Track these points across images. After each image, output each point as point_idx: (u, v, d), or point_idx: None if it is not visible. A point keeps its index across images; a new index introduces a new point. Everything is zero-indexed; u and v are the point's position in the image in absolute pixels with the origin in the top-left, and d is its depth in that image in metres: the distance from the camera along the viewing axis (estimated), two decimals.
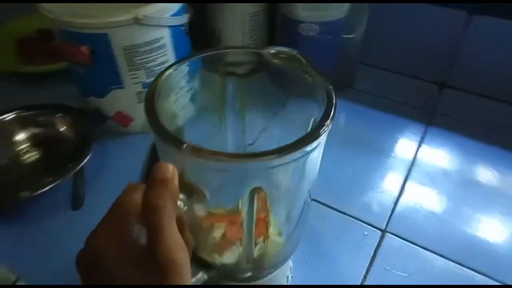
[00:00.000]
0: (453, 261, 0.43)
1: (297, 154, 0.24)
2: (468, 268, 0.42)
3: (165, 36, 0.52)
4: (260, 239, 0.32)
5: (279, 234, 0.36)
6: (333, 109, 0.26)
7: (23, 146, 0.55)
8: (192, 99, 0.44)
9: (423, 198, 0.49)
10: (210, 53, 0.33)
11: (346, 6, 0.57)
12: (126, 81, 0.53)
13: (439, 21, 0.61)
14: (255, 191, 0.27)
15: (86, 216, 0.47)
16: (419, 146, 0.56)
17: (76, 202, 0.49)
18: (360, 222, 0.46)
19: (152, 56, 0.52)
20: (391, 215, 0.47)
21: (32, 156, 0.55)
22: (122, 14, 0.48)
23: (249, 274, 0.34)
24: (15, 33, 0.77)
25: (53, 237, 0.46)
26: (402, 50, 0.66)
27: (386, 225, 0.46)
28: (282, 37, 0.63)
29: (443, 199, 0.49)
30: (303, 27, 0.58)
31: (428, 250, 0.44)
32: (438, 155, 0.54)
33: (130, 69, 0.52)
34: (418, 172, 0.52)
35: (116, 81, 0.53)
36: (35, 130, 0.55)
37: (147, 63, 0.52)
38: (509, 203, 0.48)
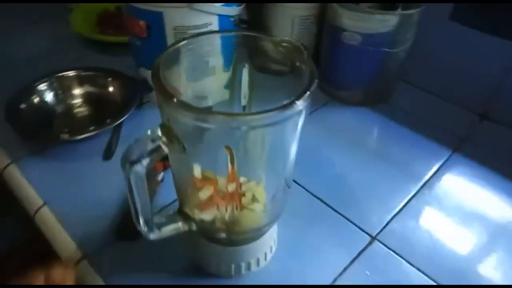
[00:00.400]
0: (435, 281, 0.42)
1: (264, 120, 0.27)
2: None
3: (214, 23, 0.57)
4: (231, 205, 0.35)
5: (263, 210, 0.39)
6: (306, 94, 0.29)
7: (77, 101, 0.63)
8: (228, 85, 0.48)
9: (424, 218, 0.49)
10: (226, 33, 0.37)
11: (392, 21, 0.58)
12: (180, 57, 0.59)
13: (490, 51, 0.60)
14: (226, 150, 0.30)
15: (112, 166, 0.54)
16: (438, 169, 0.55)
17: (108, 153, 0.55)
18: (352, 225, 0.47)
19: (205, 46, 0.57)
20: (385, 225, 0.48)
21: (82, 111, 0.63)
22: None
23: (223, 235, 0.37)
24: (99, 8, 0.87)
25: (81, 177, 0.52)
26: (447, 74, 0.65)
27: (378, 234, 0.47)
28: (326, 43, 0.66)
29: (445, 224, 0.48)
30: (345, 35, 0.60)
31: (413, 266, 0.44)
32: (455, 182, 0.53)
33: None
34: (428, 194, 0.52)
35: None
36: (90, 89, 0.64)
37: (195, 49, 0.58)
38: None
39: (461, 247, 0.46)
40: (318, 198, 0.50)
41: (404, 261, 0.44)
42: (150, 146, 0.29)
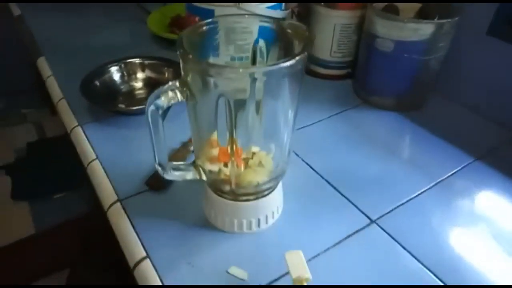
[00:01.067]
0: (428, 268, 0.44)
1: (254, 73, 0.34)
2: (440, 279, 0.43)
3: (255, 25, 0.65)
4: (232, 162, 0.41)
5: (267, 175, 0.44)
6: (291, 60, 0.34)
7: (139, 84, 0.74)
8: None
9: (429, 213, 0.50)
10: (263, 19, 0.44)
11: (425, 30, 0.60)
12: (220, 51, 0.67)
13: None
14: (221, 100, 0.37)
15: None
16: (456, 172, 0.56)
17: None
18: (354, 207, 0.51)
19: (243, 36, 0.65)
20: (388, 213, 0.50)
21: (142, 93, 0.73)
22: None
23: (227, 187, 0.43)
24: (173, 13, 1.00)
25: (130, 142, 0.62)
26: (483, 88, 0.66)
27: (378, 218, 0.49)
28: (362, 49, 0.70)
29: (449, 220, 0.50)
30: (378, 42, 0.64)
31: (408, 251, 0.46)
32: (469, 185, 0.54)
33: (225, 42, 0.66)
34: (439, 191, 0.53)
35: (213, 50, 0.68)
36: (150, 74, 0.74)
37: (238, 41, 0.65)
38: (510, 247, 0.47)
39: (461, 244, 0.47)
40: (327, 181, 0.54)
41: (398, 245, 0.46)
42: (167, 90, 0.36)
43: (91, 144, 0.61)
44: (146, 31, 0.94)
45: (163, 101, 0.37)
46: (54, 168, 1.67)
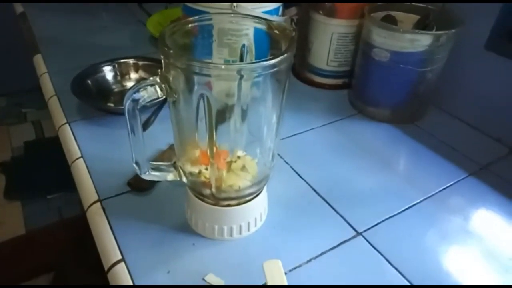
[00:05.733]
0: (412, 284, 0.42)
1: (229, 71, 0.33)
2: None
3: (250, 28, 0.64)
4: (212, 165, 0.40)
5: (250, 180, 0.43)
6: (274, 58, 0.33)
7: (131, 84, 0.73)
8: None
9: (417, 227, 0.49)
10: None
11: (422, 41, 0.59)
12: (214, 54, 0.66)
13: None
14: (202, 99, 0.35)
15: (146, 136, 0.60)
16: (448, 187, 0.54)
17: (145, 125, 0.63)
18: (341, 218, 0.49)
19: (236, 40, 0.64)
20: (375, 225, 0.48)
21: None
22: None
23: (208, 191, 0.42)
24: (174, 17, 0.99)
25: (117, 142, 0.60)
26: (480, 104, 0.65)
27: (364, 231, 0.48)
28: (359, 59, 0.69)
29: (438, 236, 0.48)
30: (375, 52, 0.63)
31: (393, 265, 0.44)
32: (461, 200, 0.53)
33: (219, 45, 0.65)
34: (429, 205, 0.52)
35: (208, 53, 0.67)
36: (143, 75, 0.73)
37: (232, 44, 0.65)
38: (500, 267, 0.45)
39: (449, 260, 0.45)
40: (315, 190, 0.53)
41: (384, 259, 0.45)
42: (147, 85, 0.35)
43: (77, 142, 0.60)
44: (146, 33, 0.94)
45: (141, 95, 0.35)
46: (50, 168, 1.66)
